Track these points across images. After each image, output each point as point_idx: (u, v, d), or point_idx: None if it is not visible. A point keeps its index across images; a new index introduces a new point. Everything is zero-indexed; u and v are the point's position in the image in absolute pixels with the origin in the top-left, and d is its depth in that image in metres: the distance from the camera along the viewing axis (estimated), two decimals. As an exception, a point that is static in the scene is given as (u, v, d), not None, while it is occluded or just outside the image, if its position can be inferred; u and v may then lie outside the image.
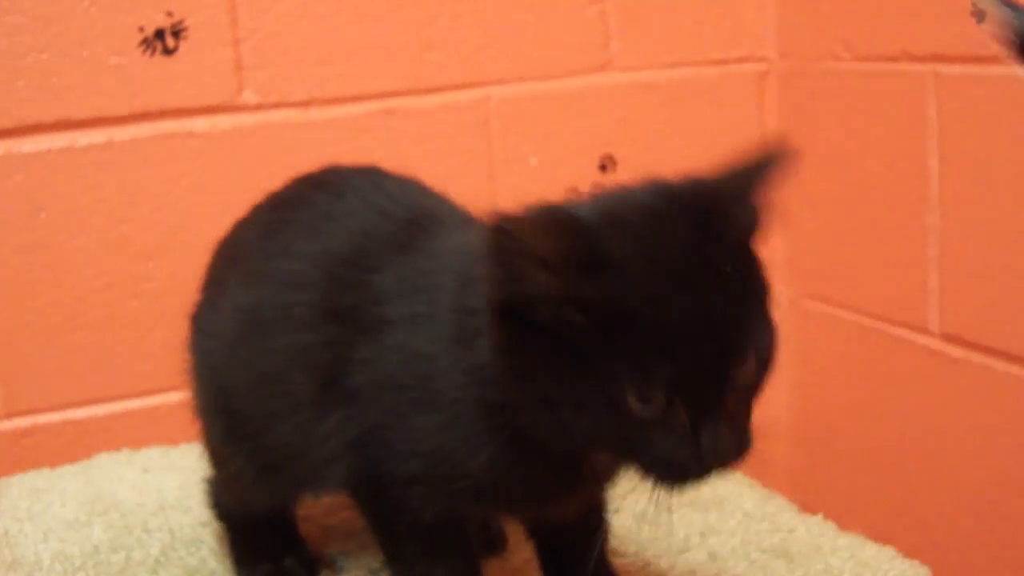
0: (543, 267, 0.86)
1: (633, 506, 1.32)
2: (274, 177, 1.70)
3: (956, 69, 1.65)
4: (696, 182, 0.98)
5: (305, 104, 1.77)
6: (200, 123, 1.74)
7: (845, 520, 1.33)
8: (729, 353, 0.90)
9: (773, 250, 2.01)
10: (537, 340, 0.89)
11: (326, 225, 1.15)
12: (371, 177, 1.21)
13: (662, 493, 0.95)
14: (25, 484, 1.54)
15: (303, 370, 1.09)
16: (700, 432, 0.90)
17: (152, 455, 1.58)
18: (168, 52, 1.71)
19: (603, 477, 1.04)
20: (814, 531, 1.28)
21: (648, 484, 0.95)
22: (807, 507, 1.35)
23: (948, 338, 1.72)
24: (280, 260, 1.16)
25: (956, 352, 1.71)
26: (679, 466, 0.92)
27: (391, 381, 1.03)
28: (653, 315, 0.87)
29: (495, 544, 1.28)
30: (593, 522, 1.15)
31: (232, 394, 1.18)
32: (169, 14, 1.70)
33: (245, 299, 1.18)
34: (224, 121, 1.74)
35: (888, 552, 1.23)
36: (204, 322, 1.26)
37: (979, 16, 1.57)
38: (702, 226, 0.91)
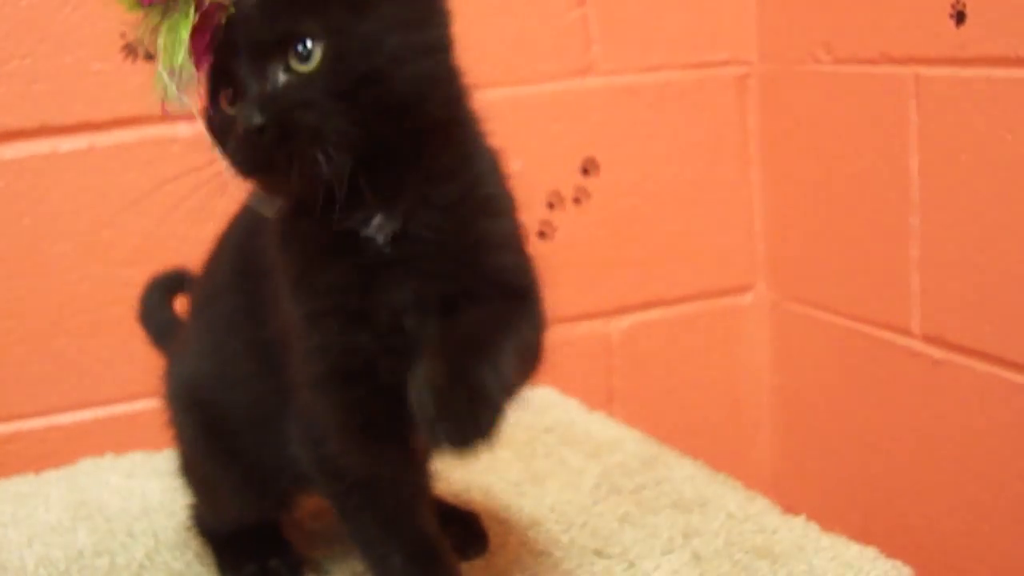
0: None
1: (615, 508, 1.35)
2: (257, 181, 1.70)
3: (936, 71, 1.65)
4: None
5: (288, 108, 1.77)
6: (182, 129, 1.73)
7: (827, 521, 1.33)
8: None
9: (755, 253, 2.02)
10: None
11: (243, 210, 1.20)
12: None
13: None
14: (9, 489, 1.54)
15: (244, 335, 1.15)
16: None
17: (136, 460, 1.58)
18: (150, 57, 1.70)
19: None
20: (797, 532, 1.28)
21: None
22: (790, 508, 1.36)
23: (930, 340, 1.73)
24: (212, 257, 1.25)
25: (938, 354, 1.72)
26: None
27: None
28: None
29: (477, 544, 1.28)
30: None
31: (205, 400, 1.21)
32: (151, 19, 1.70)
33: (192, 304, 1.29)
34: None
35: (871, 552, 1.23)
36: (175, 351, 1.31)
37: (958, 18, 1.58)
38: None
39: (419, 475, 1.13)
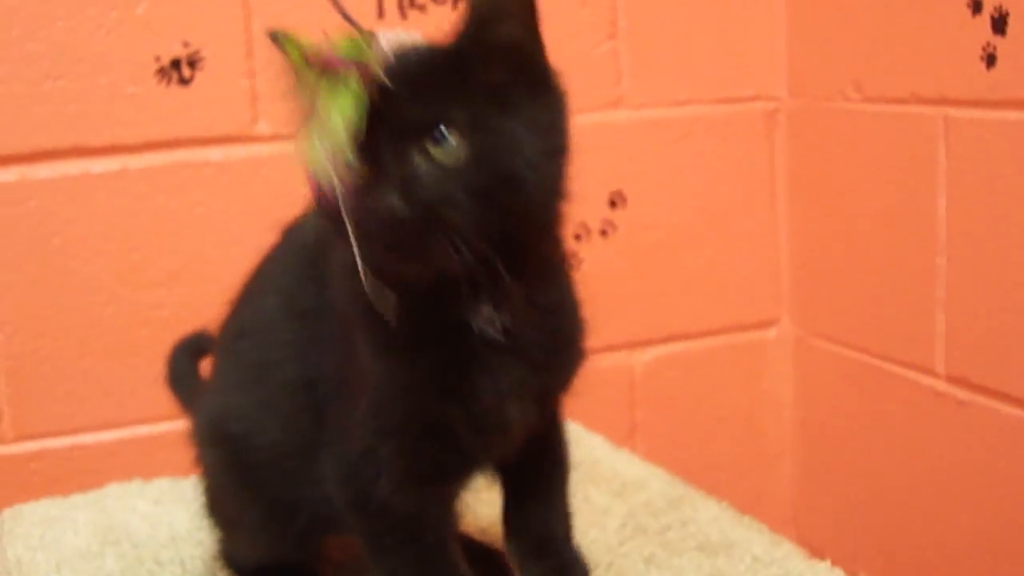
0: None
1: (641, 549, 1.35)
2: (287, 206, 1.71)
3: (966, 113, 1.66)
4: None
5: (318, 135, 1.78)
6: (214, 152, 1.75)
7: (847, 558, 1.33)
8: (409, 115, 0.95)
9: (780, 288, 2.02)
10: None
11: (286, 245, 1.25)
12: None
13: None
14: (38, 512, 1.54)
15: (287, 372, 1.15)
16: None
17: (163, 486, 1.58)
18: (184, 82, 1.72)
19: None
20: (822, 576, 1.28)
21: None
22: (810, 544, 1.36)
23: (954, 380, 1.73)
24: (250, 288, 1.26)
25: (962, 394, 1.72)
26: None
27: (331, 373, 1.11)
28: None
29: None
30: (547, 465, 1.21)
31: (233, 435, 1.21)
32: (186, 44, 1.71)
33: (225, 338, 1.28)
34: (238, 151, 1.76)
35: (895, 598, 1.24)
36: (206, 391, 1.33)
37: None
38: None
39: (454, 513, 1.15)
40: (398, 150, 0.93)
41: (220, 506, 1.30)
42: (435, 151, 0.93)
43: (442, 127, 0.93)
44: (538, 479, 1.21)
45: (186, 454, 1.33)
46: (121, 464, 1.73)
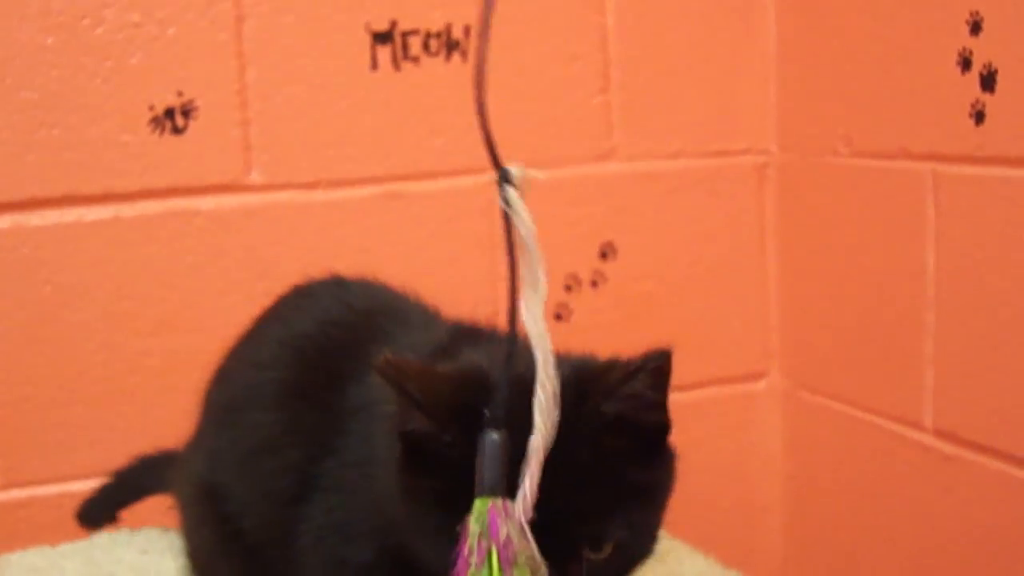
0: (418, 409, 0.94)
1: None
2: (279, 257, 1.73)
3: (955, 169, 1.66)
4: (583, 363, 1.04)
5: (311, 186, 1.79)
6: (207, 202, 1.75)
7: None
8: (570, 537, 0.97)
9: (769, 341, 2.03)
10: (421, 470, 0.97)
11: (295, 315, 1.26)
12: (336, 281, 1.32)
13: None
14: (25, 561, 1.53)
15: (279, 446, 1.16)
16: None
17: (151, 536, 1.58)
18: (177, 131, 1.73)
19: None
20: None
21: None
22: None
23: (942, 435, 1.73)
24: (252, 351, 1.26)
25: (949, 449, 1.71)
26: None
27: (347, 485, 1.10)
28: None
29: None
30: None
31: (220, 493, 1.22)
32: (180, 93, 1.72)
33: (221, 396, 1.28)
34: (231, 200, 1.76)
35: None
36: (187, 448, 1.33)
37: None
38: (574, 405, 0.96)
39: None
40: (558, 563, 0.95)
41: (204, 568, 1.30)
42: (592, 555, 0.97)
43: (601, 542, 0.97)
44: None
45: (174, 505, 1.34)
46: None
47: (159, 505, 1.62)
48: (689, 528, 1.61)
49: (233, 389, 1.27)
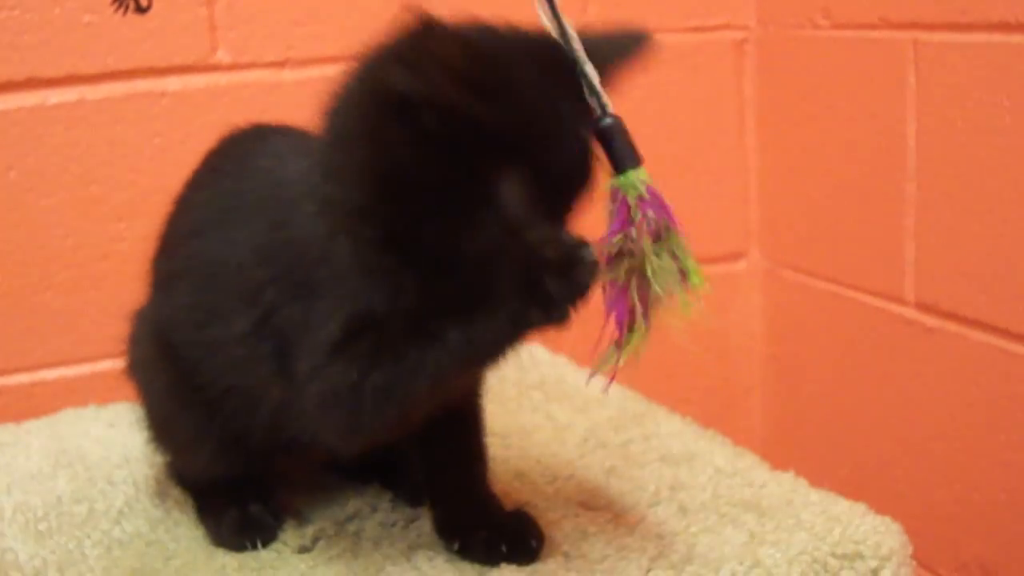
0: (451, 78, 0.94)
1: (602, 462, 1.33)
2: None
3: (936, 37, 1.64)
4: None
5: (279, 64, 1.76)
6: (173, 82, 1.72)
7: (817, 485, 1.32)
8: (583, 184, 1.04)
9: (748, 219, 2.01)
10: (419, 144, 0.97)
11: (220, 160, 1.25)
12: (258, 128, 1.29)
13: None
14: (-10, 438, 1.52)
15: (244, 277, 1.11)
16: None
17: (119, 410, 1.56)
18: (141, 10, 1.69)
19: None
20: (785, 487, 1.26)
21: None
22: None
23: (923, 308, 1.72)
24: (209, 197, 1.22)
25: (931, 321, 1.71)
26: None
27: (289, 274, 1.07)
28: (532, 144, 0.98)
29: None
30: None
31: (179, 346, 1.19)
32: (143, -28, 1.69)
33: (181, 237, 1.24)
34: (197, 80, 1.73)
35: (860, 508, 1.21)
36: (147, 301, 1.30)
37: None
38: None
39: None
40: None
41: (166, 428, 1.27)
42: None
43: None
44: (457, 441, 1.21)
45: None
46: (82, 399, 1.69)
47: (130, 388, 1.60)
48: (669, 407, 1.59)
49: (182, 225, 1.24)
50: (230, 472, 1.24)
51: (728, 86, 2.01)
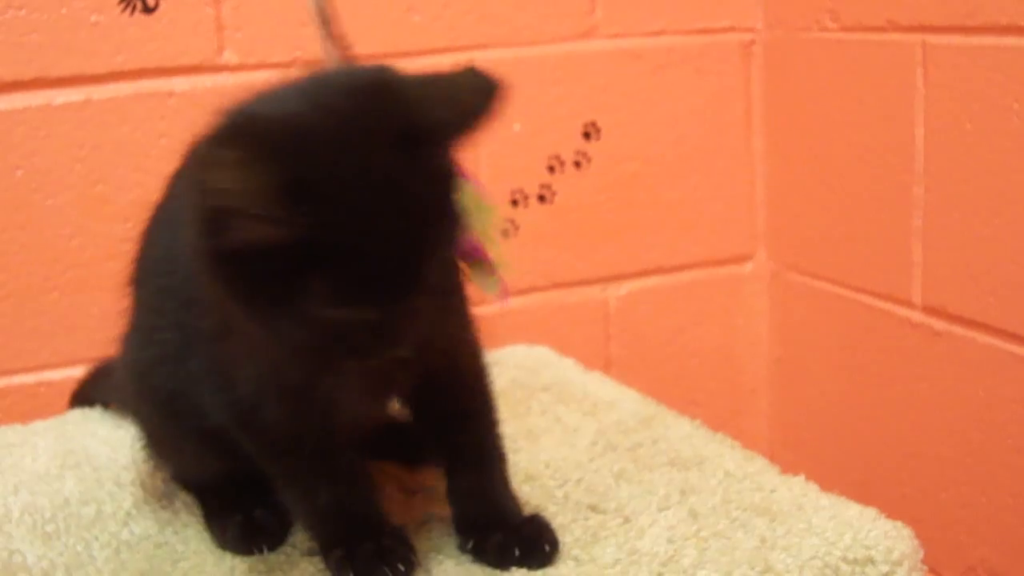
0: (247, 218, 0.91)
1: (611, 465, 1.33)
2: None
3: (944, 39, 1.64)
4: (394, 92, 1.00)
5: (286, 65, 1.75)
6: (180, 83, 1.72)
7: (822, 488, 1.32)
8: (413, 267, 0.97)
9: (755, 222, 2.00)
10: (243, 271, 0.95)
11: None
12: None
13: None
14: (-3, 439, 1.52)
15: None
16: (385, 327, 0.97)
17: (126, 412, 1.56)
18: (148, 10, 1.69)
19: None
20: (796, 491, 1.26)
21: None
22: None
23: (931, 311, 1.72)
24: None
25: (939, 325, 1.70)
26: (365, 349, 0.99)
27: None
28: (346, 239, 0.93)
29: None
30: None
31: (147, 375, 1.23)
32: (149, -30, 1.68)
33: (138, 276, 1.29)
34: (204, 81, 1.73)
35: (871, 513, 1.20)
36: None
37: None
38: (399, 148, 0.96)
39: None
40: None
41: (156, 440, 1.31)
42: None
43: None
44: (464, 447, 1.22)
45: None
46: (88, 400, 1.70)
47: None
48: (676, 410, 1.59)
49: (140, 265, 1.29)
50: (221, 467, 1.25)
51: (735, 88, 2.01)
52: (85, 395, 1.63)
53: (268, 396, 1.10)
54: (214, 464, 1.25)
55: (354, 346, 0.98)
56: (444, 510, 1.21)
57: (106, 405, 1.59)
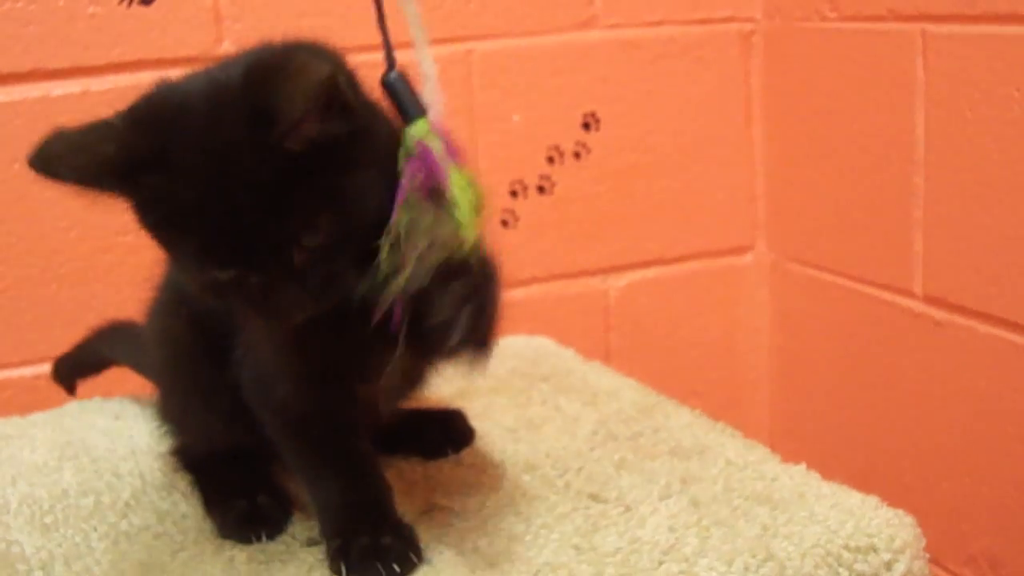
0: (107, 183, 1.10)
1: (612, 454, 1.32)
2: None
3: (944, 28, 1.63)
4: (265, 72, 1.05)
5: (285, 56, 1.74)
6: (177, 74, 1.71)
7: (823, 478, 1.32)
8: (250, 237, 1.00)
9: (755, 212, 2.00)
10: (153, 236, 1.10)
11: None
12: None
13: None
14: (-5, 431, 1.52)
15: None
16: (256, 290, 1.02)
17: (124, 403, 1.56)
18: (146, 2, 1.69)
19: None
20: (797, 479, 1.25)
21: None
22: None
23: (932, 301, 1.71)
24: None
25: (939, 315, 1.70)
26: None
27: None
28: (184, 206, 1.02)
29: (461, 439, 1.39)
30: None
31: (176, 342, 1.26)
32: (147, -38, 1.68)
33: None
34: (202, 72, 1.72)
35: (873, 501, 1.20)
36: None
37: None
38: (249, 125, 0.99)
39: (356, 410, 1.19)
40: None
41: (171, 403, 1.31)
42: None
43: None
44: None
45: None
46: (87, 392, 1.69)
47: (135, 381, 1.59)
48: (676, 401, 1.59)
49: None
50: (227, 439, 1.26)
51: (735, 78, 2.01)
52: (91, 349, 1.61)
53: (280, 374, 1.14)
54: (228, 436, 1.25)
55: (247, 307, 1.04)
56: (446, 500, 1.21)
57: (111, 362, 1.59)
